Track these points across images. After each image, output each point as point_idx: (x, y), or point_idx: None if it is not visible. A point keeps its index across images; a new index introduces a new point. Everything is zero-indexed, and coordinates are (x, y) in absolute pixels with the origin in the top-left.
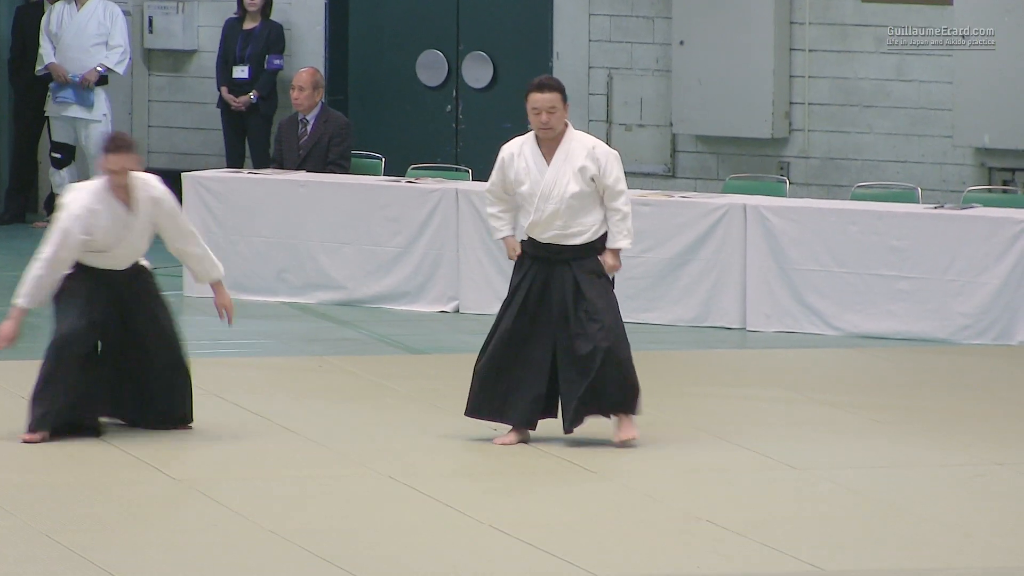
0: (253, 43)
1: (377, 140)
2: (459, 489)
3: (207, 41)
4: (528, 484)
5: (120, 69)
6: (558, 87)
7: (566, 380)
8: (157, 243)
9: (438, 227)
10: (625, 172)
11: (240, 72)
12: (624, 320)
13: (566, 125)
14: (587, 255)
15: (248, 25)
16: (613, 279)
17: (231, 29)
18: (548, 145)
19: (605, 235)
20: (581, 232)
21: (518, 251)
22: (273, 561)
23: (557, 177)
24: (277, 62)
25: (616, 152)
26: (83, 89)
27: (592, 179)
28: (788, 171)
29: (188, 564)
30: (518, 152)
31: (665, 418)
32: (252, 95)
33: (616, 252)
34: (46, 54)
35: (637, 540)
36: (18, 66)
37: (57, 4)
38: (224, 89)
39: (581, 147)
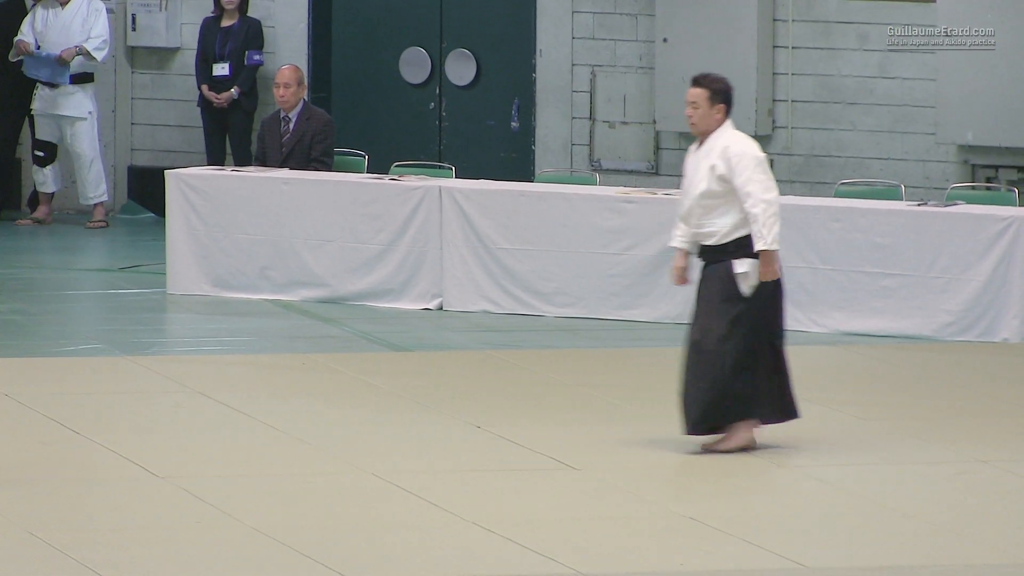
0: (232, 40)
1: (360, 137)
2: (442, 486)
3: (190, 39)
4: (511, 481)
5: (99, 55)
6: (708, 84)
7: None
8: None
9: (421, 224)
10: (608, 169)
11: (220, 70)
12: (609, 318)
13: (720, 123)
14: (719, 257)
15: (226, 23)
16: (768, 288)
17: (209, 27)
18: (701, 142)
19: (745, 239)
20: (712, 233)
21: (677, 264)
22: (256, 558)
23: (693, 175)
24: (257, 58)
25: (754, 154)
26: (59, 65)
27: (721, 178)
28: (772, 168)
29: (171, 561)
30: (693, 149)
31: (648, 414)
32: (234, 91)
33: (764, 257)
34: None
35: (620, 537)
36: (1, 65)
37: (39, 6)
38: (205, 87)
39: (718, 146)
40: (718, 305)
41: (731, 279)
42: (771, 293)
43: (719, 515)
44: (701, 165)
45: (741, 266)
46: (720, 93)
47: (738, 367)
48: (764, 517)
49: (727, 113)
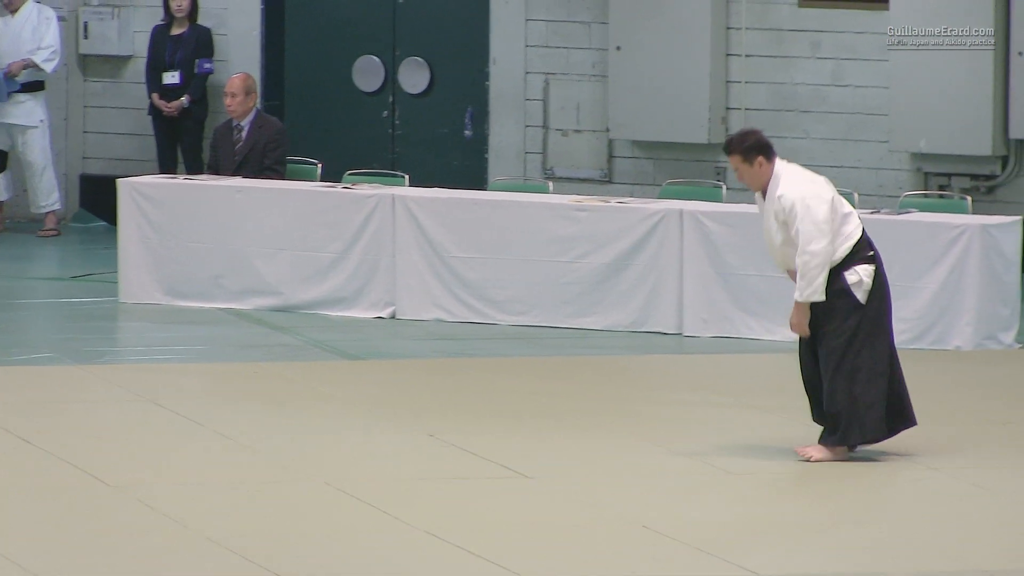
0: (182, 48)
1: (313, 145)
2: (395, 495)
3: (143, 47)
4: (464, 489)
5: (48, 67)
6: (736, 146)
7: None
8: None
9: (374, 233)
10: (561, 177)
11: (171, 78)
12: (562, 326)
13: (769, 173)
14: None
15: (176, 31)
16: (856, 309)
17: (159, 35)
18: (763, 192)
19: (843, 259)
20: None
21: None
22: (209, 567)
23: (766, 223)
24: (207, 66)
25: (804, 199)
26: (8, 79)
27: (784, 224)
28: (725, 176)
29: (123, 570)
30: (758, 197)
31: (601, 423)
32: (184, 100)
33: (797, 308)
34: None
35: (572, 545)
36: None
37: None
38: (155, 95)
39: (775, 194)
40: (839, 323)
41: (844, 292)
42: (881, 299)
43: (671, 523)
44: (767, 215)
45: (852, 276)
46: (752, 149)
47: (872, 373)
48: (717, 525)
49: (770, 159)
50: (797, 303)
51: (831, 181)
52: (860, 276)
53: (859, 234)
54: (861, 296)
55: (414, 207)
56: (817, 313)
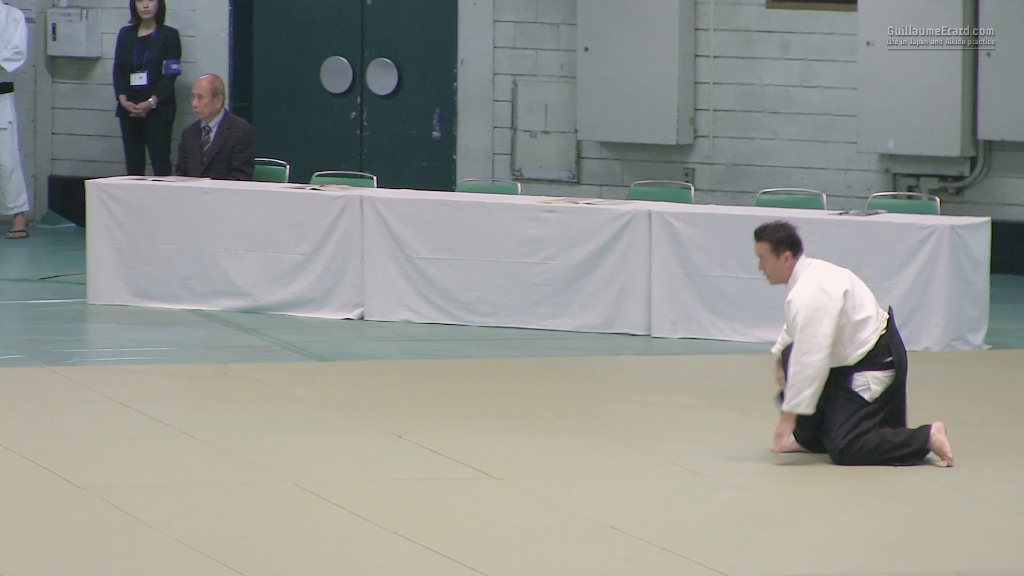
0: (150, 49)
1: (282, 147)
2: (364, 496)
3: (111, 48)
4: (433, 490)
5: (10, 67)
6: (768, 235)
7: None
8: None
9: (343, 234)
10: (530, 178)
11: (139, 79)
12: (530, 327)
13: (791, 268)
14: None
15: (143, 32)
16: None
17: (126, 37)
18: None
19: (859, 362)
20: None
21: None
22: (178, 569)
23: (786, 319)
24: (175, 67)
25: (808, 307)
26: None
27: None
28: (693, 177)
29: (91, 572)
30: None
31: (570, 424)
32: (152, 101)
33: (784, 417)
34: None
35: (542, 546)
36: None
37: None
38: (123, 97)
39: (790, 295)
40: (842, 420)
41: (850, 392)
42: (894, 403)
43: (640, 524)
44: (787, 319)
45: (859, 379)
46: (783, 242)
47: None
48: (685, 525)
49: (796, 256)
50: (784, 412)
51: (800, 183)
52: (868, 382)
53: (875, 340)
54: (868, 398)
55: (382, 208)
56: (822, 406)
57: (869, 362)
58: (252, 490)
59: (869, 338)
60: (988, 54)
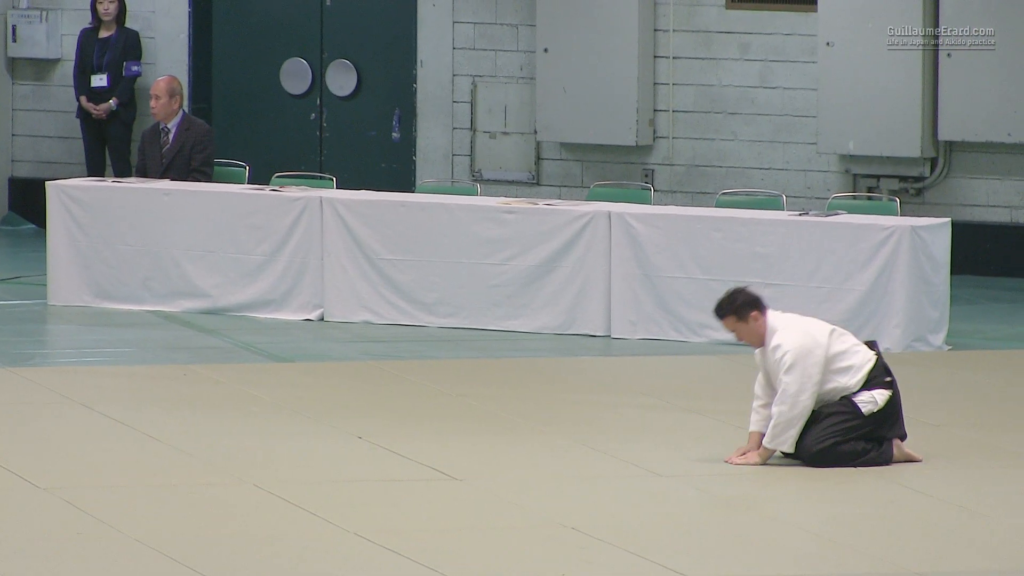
0: (110, 51)
1: (241, 148)
2: (324, 497)
3: (71, 50)
4: (393, 491)
5: None
6: (730, 308)
7: None
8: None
9: (303, 235)
10: (489, 180)
11: (99, 81)
12: (490, 328)
13: (764, 326)
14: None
15: (104, 34)
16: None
17: (87, 38)
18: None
19: (852, 393)
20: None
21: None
22: (138, 569)
23: (765, 379)
24: (135, 68)
25: (799, 352)
26: None
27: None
28: (653, 178)
29: (52, 572)
30: (758, 352)
31: (529, 425)
32: (112, 102)
33: (762, 451)
34: None
35: (502, 547)
36: None
37: None
38: (83, 98)
39: (770, 346)
40: (837, 418)
41: (850, 403)
42: (888, 423)
43: (600, 525)
44: (771, 367)
45: (863, 396)
46: (744, 306)
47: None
48: (645, 526)
49: (763, 312)
50: (764, 447)
51: (760, 183)
52: (874, 398)
53: (871, 363)
54: (866, 411)
55: (342, 209)
56: (819, 413)
57: (872, 382)
58: (212, 491)
59: (864, 364)
60: (948, 55)
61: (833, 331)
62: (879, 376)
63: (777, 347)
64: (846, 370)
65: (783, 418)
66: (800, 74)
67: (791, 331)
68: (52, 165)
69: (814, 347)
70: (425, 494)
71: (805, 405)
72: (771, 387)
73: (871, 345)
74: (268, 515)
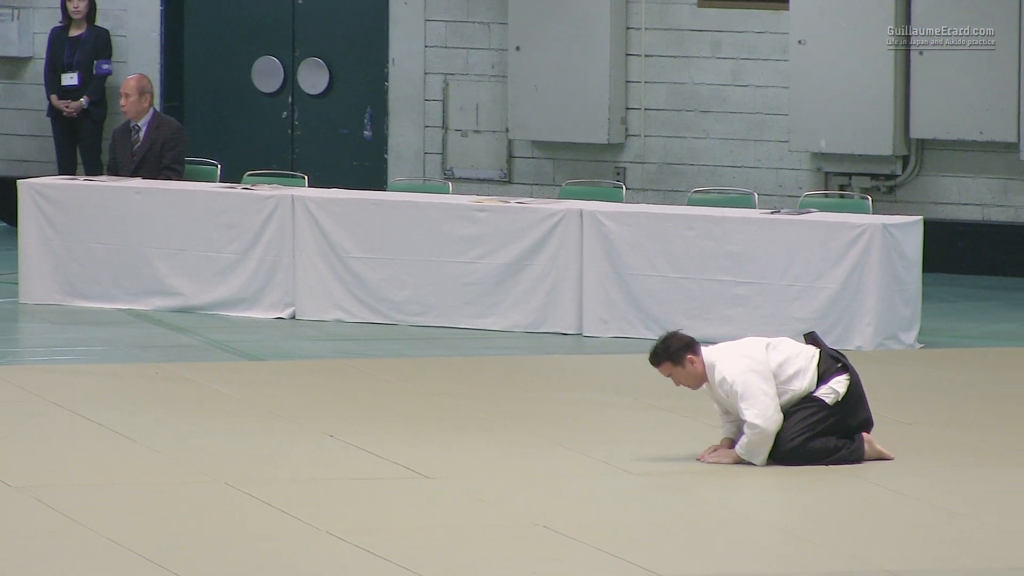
0: (81, 50)
1: (213, 146)
2: (296, 495)
3: (42, 48)
4: (365, 489)
5: None
6: (663, 357)
7: None
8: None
9: (274, 233)
10: (461, 178)
11: (70, 79)
12: (462, 326)
13: (702, 365)
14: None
15: (74, 32)
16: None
17: (57, 37)
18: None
19: (809, 396)
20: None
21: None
22: (110, 568)
23: (723, 405)
24: (106, 67)
25: (744, 374)
26: None
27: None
28: (624, 176)
29: (23, 571)
30: (705, 387)
31: (501, 423)
32: (83, 101)
33: (731, 453)
34: None
35: (474, 545)
36: None
37: None
38: (54, 97)
39: (716, 379)
40: (802, 416)
41: (813, 399)
42: (853, 410)
43: (571, 523)
44: (723, 400)
45: (824, 389)
46: (679, 351)
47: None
48: (616, 525)
49: (698, 353)
50: (734, 452)
51: (732, 181)
52: (832, 388)
53: (816, 359)
54: (830, 401)
55: (314, 208)
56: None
57: (826, 375)
58: (184, 489)
59: (809, 364)
60: (920, 53)
61: (768, 344)
62: (830, 366)
63: (723, 380)
64: (794, 376)
65: (756, 438)
66: (772, 72)
67: (729, 359)
68: (24, 163)
69: (756, 366)
70: (397, 492)
71: (773, 420)
72: (729, 414)
73: (810, 338)
74: (240, 514)
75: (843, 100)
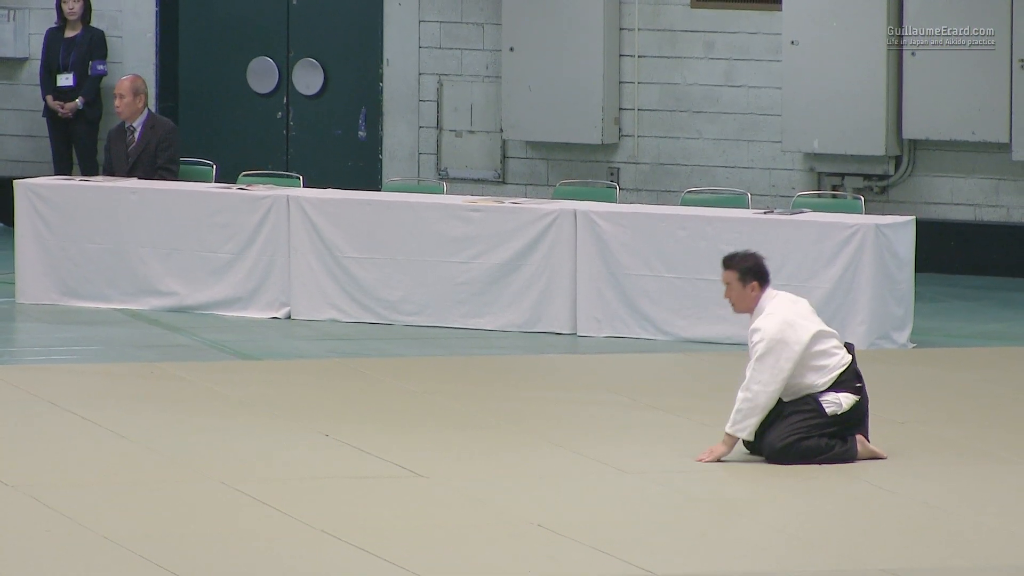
0: (76, 50)
1: (208, 147)
2: (291, 495)
3: (38, 49)
4: (360, 488)
5: None
6: (736, 264)
7: None
8: None
9: (269, 233)
10: (455, 178)
11: (65, 80)
12: (456, 326)
13: (756, 299)
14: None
15: (69, 33)
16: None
17: (53, 38)
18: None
19: (823, 391)
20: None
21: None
22: (106, 567)
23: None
24: (100, 67)
25: (770, 339)
26: None
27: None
28: (618, 176)
29: (19, 570)
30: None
31: (496, 423)
32: (78, 101)
33: (725, 438)
34: None
35: (468, 544)
36: None
37: None
38: (49, 97)
39: (754, 325)
40: (799, 419)
41: (815, 402)
42: (852, 426)
43: (566, 522)
44: (747, 336)
45: (828, 397)
46: (750, 271)
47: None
48: (611, 524)
49: (763, 287)
50: (727, 433)
51: (725, 182)
52: (840, 400)
53: (843, 367)
54: (830, 413)
55: (309, 208)
56: (783, 411)
57: (841, 385)
58: (179, 488)
59: (836, 367)
60: (913, 53)
61: (820, 331)
62: (849, 381)
63: (756, 330)
64: (819, 369)
65: (747, 404)
66: (765, 73)
67: (775, 318)
68: (19, 164)
69: (792, 341)
70: (392, 491)
71: (771, 395)
72: None
73: (849, 348)
74: (235, 513)
75: (836, 100)
